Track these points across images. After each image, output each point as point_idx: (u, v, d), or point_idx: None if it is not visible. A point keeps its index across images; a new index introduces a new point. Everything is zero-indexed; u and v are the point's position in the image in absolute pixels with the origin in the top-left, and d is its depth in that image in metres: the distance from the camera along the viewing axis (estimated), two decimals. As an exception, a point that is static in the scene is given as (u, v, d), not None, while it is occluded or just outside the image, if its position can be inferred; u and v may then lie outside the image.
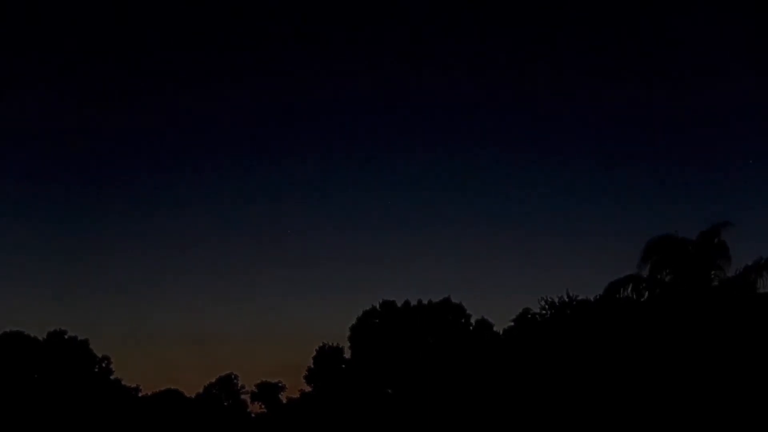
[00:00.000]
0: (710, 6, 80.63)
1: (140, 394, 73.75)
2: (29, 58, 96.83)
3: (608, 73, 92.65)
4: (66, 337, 68.64)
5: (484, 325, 59.97)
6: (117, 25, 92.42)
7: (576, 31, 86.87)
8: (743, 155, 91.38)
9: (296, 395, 71.48)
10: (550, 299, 51.26)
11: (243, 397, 77.70)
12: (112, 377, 70.88)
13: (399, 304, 62.37)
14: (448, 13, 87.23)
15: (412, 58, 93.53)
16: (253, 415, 76.68)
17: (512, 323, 54.67)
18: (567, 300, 50.57)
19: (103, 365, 70.44)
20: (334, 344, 67.61)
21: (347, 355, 65.66)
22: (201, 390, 77.24)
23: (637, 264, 35.88)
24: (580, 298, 50.22)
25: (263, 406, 76.38)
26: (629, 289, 37.11)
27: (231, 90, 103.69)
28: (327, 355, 67.33)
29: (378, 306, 62.91)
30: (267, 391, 76.34)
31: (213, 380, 77.66)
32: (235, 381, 77.93)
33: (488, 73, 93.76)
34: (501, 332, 57.27)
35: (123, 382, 71.60)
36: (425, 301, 61.93)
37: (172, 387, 76.44)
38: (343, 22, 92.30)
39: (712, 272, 35.02)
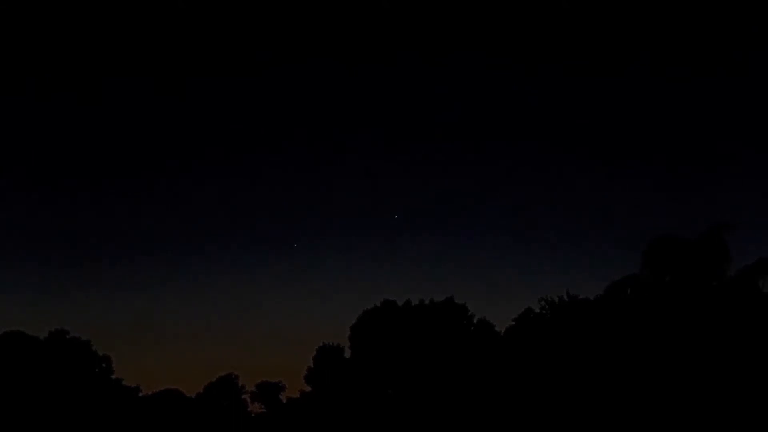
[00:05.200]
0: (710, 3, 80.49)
1: (140, 394, 73.75)
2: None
3: (608, 74, 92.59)
4: (67, 337, 68.69)
5: (485, 325, 60.04)
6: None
7: (575, 27, 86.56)
8: (744, 155, 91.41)
9: (296, 395, 71.61)
10: (550, 299, 51.52)
11: (243, 397, 77.71)
12: (112, 377, 70.90)
13: (400, 304, 62.43)
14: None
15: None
16: (253, 415, 76.70)
17: (513, 323, 54.87)
18: (567, 300, 50.76)
19: (104, 365, 70.47)
20: (334, 344, 67.75)
21: (347, 355, 65.74)
22: (201, 390, 77.30)
23: (638, 264, 36.15)
24: (580, 298, 50.46)
25: (263, 406, 76.43)
26: (630, 289, 37.32)
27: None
28: (327, 355, 67.38)
29: (379, 305, 62.98)
30: (267, 391, 76.35)
31: (213, 380, 77.73)
32: (235, 381, 77.92)
33: (490, 69, 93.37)
34: (502, 332, 57.40)
35: (123, 382, 71.62)
36: (426, 301, 62.04)
37: (172, 387, 76.61)
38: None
39: (713, 272, 35.19)
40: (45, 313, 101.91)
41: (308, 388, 68.15)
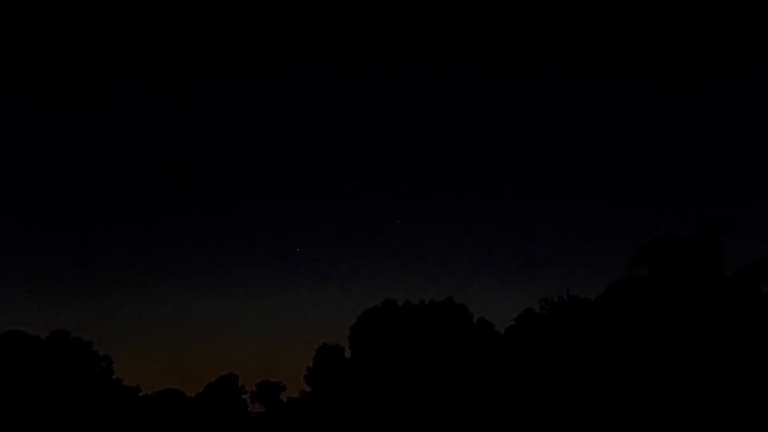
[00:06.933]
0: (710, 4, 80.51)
1: (141, 394, 73.84)
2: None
3: (608, 74, 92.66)
4: (68, 337, 68.74)
5: (485, 325, 60.05)
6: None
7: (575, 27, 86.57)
8: (742, 155, 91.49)
9: (296, 395, 71.68)
10: (550, 299, 51.58)
11: (243, 397, 77.81)
12: (113, 377, 70.95)
13: (400, 304, 62.44)
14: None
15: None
16: (253, 415, 76.79)
17: (513, 323, 54.93)
18: (567, 300, 50.83)
19: (104, 365, 70.52)
20: (334, 344, 67.79)
21: (347, 355, 65.76)
22: (201, 390, 77.39)
23: (637, 263, 36.14)
24: (580, 297, 50.53)
25: (263, 406, 76.53)
26: (629, 288, 37.35)
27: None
28: (327, 355, 67.42)
29: (379, 305, 62.99)
30: (267, 391, 76.50)
31: (213, 380, 77.84)
32: (235, 381, 77.99)
33: (490, 69, 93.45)
34: (502, 332, 57.42)
35: (124, 382, 71.68)
36: (426, 301, 62.03)
37: (172, 387, 76.69)
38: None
39: (712, 271, 35.20)
40: (46, 313, 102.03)
41: (308, 388, 68.22)
